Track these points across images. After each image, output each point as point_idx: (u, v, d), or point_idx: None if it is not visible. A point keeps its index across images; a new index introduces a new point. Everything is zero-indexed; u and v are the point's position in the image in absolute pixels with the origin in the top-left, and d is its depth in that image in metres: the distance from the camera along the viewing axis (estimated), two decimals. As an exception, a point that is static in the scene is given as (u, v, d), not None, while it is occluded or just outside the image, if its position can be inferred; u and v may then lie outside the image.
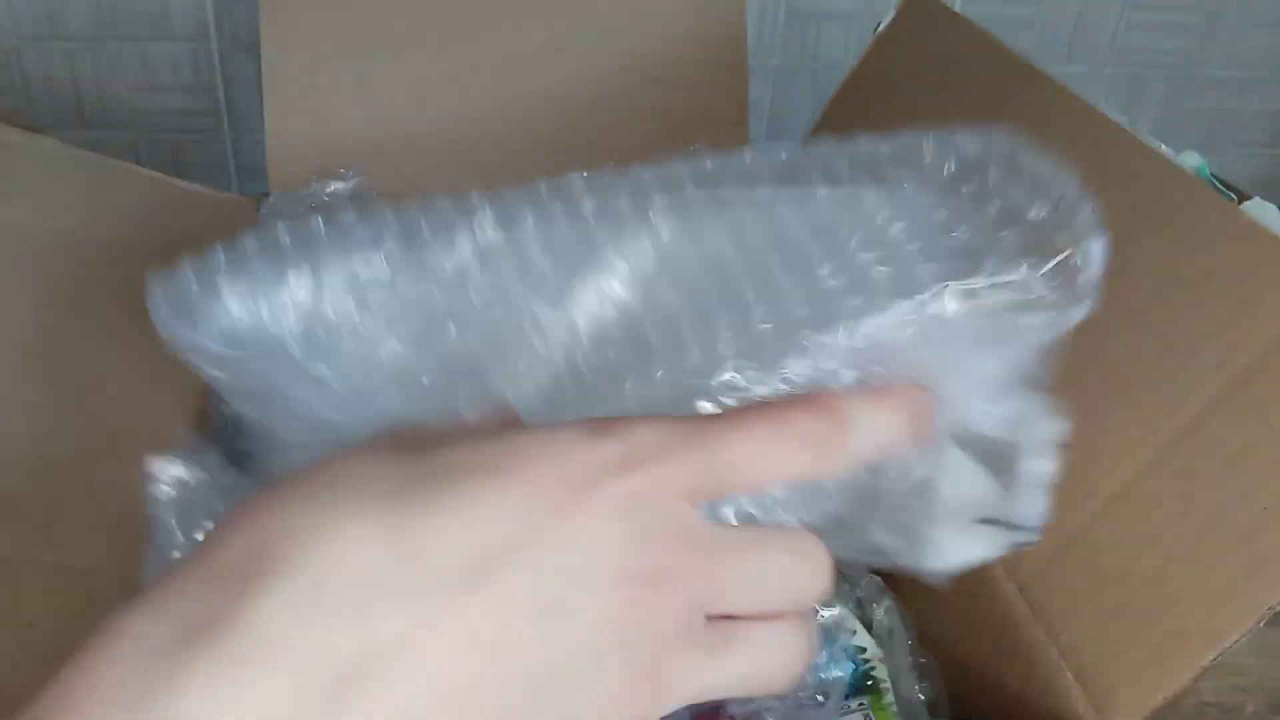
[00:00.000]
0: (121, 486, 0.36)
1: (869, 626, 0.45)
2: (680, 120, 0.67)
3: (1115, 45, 0.92)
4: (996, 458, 0.31)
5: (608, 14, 0.66)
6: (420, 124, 0.64)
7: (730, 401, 0.27)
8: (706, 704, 0.41)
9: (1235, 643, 0.32)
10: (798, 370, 0.27)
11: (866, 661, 0.44)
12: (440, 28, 0.64)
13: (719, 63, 0.67)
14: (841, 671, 0.43)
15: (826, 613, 0.47)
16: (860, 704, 0.41)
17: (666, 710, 0.23)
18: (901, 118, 0.58)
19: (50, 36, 0.77)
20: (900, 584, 0.47)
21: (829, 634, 0.44)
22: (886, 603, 0.45)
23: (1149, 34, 0.92)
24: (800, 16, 0.87)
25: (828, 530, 0.28)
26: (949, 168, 0.31)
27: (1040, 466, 0.30)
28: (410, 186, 0.64)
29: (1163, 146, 0.41)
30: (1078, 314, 0.29)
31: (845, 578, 0.48)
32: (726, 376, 0.27)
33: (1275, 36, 0.93)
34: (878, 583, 0.47)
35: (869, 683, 0.43)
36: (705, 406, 0.27)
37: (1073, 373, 0.41)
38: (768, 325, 0.28)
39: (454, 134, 0.64)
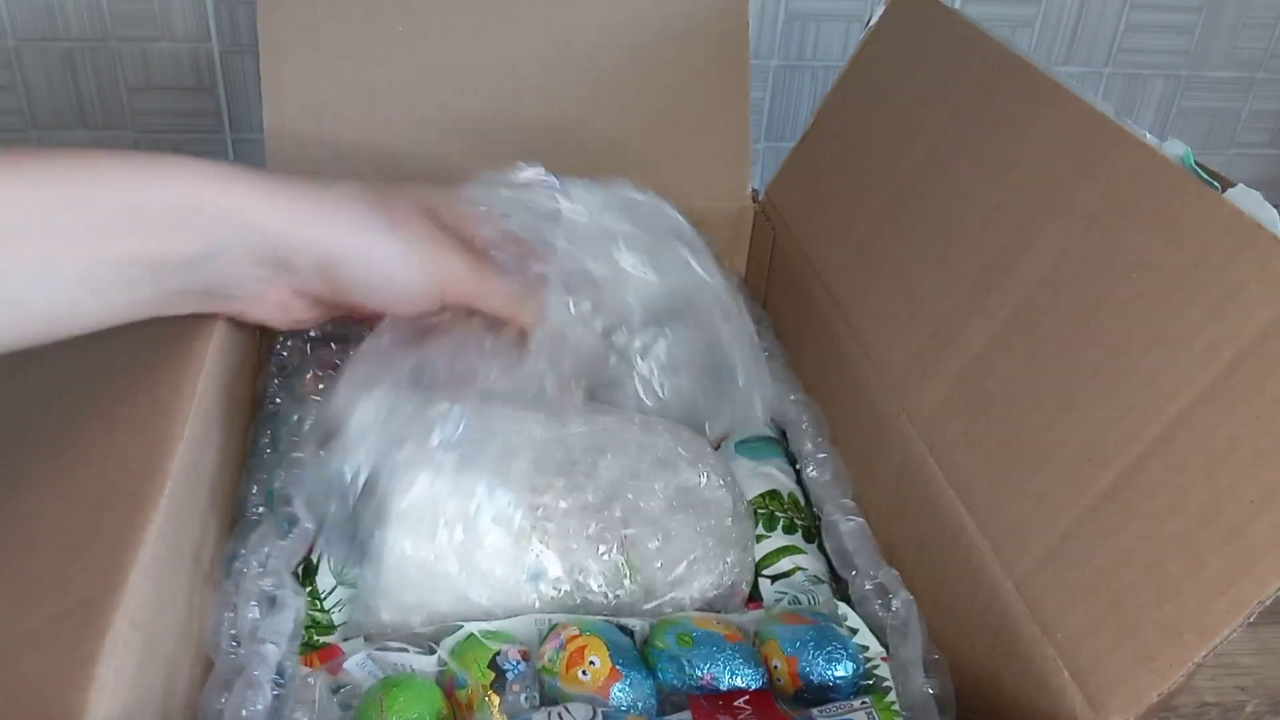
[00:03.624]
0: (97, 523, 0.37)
1: (882, 627, 0.45)
2: (682, 119, 0.67)
3: (1115, 45, 0.92)
4: None
5: (609, 13, 0.66)
6: (419, 124, 0.64)
7: None
8: (705, 700, 0.41)
9: (1226, 638, 0.32)
10: None
11: (869, 660, 0.44)
12: (439, 28, 0.64)
13: (720, 62, 0.67)
14: (844, 670, 0.43)
15: (830, 610, 0.47)
16: (863, 702, 0.41)
17: None
18: (893, 111, 0.59)
19: (50, 36, 0.77)
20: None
21: (833, 633, 0.44)
22: (904, 595, 0.45)
23: (1149, 34, 0.92)
24: (799, 17, 0.87)
25: None
26: None
27: None
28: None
29: (1148, 135, 0.41)
30: None
31: (858, 569, 0.49)
32: None
33: (1274, 36, 0.93)
34: (894, 575, 0.47)
35: (870, 681, 0.43)
36: None
37: (1063, 369, 0.41)
38: None
39: (453, 134, 0.64)
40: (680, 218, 0.54)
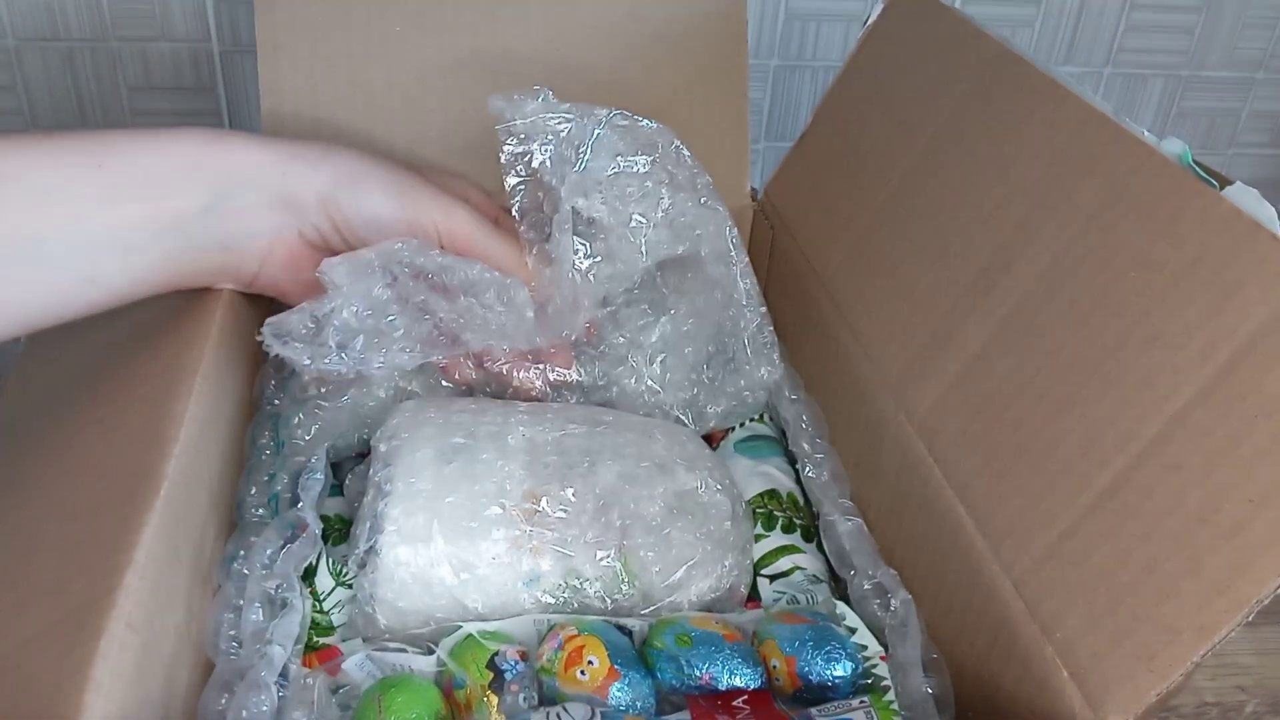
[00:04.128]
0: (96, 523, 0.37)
1: (881, 626, 0.45)
2: (681, 119, 0.67)
3: (1115, 45, 0.92)
4: None
5: (608, 13, 0.66)
6: (417, 123, 0.64)
7: None
8: (704, 700, 0.41)
9: (1225, 637, 0.32)
10: None
11: (868, 660, 0.44)
12: (437, 27, 0.64)
13: (720, 62, 0.67)
14: (843, 670, 0.43)
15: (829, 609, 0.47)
16: (862, 702, 0.41)
17: None
18: (891, 110, 0.59)
19: (50, 36, 0.77)
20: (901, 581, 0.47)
21: (831, 632, 0.44)
22: (902, 594, 0.45)
23: (1149, 34, 0.92)
24: (799, 17, 0.87)
25: None
26: None
27: None
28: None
29: (1146, 134, 0.41)
30: None
31: (856, 569, 0.49)
32: None
33: (1274, 36, 0.93)
34: (893, 575, 0.47)
35: (869, 681, 0.43)
36: None
37: (1061, 368, 0.41)
38: None
39: (451, 133, 0.64)
40: (708, 178, 0.54)
